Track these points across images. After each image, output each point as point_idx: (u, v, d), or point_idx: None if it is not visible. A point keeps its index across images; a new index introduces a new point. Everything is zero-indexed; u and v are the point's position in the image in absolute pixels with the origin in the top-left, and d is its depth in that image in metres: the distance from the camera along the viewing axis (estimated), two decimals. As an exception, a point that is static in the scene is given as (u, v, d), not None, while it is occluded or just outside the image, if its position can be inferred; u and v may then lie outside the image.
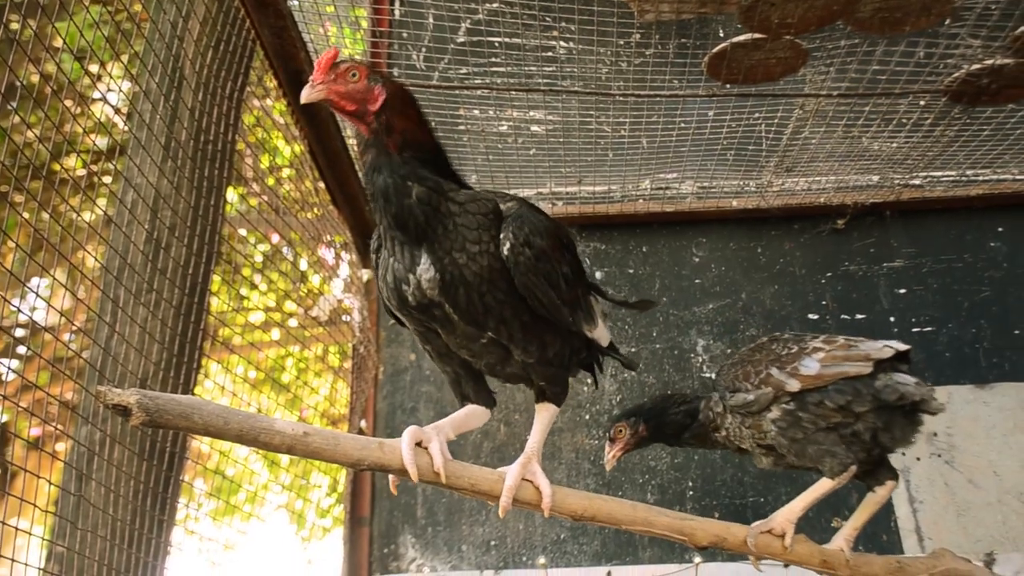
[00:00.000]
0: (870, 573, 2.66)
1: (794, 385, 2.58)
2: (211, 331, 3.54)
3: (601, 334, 2.40)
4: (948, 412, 3.86)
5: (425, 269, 1.98)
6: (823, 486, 2.53)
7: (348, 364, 4.28)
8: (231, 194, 4.22)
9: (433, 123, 3.70)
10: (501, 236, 2.03)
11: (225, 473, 3.94)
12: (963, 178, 4.13)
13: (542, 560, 3.74)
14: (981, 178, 4.13)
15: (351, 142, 3.93)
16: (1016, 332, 3.98)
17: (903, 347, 2.53)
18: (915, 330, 4.02)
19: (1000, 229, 4.20)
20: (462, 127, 3.82)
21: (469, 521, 3.83)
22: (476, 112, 3.86)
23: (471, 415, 2.30)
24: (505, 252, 2.02)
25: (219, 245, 3.16)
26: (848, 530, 2.59)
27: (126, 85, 3.29)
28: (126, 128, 3.14)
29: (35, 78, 2.26)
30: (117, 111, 3.34)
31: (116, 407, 1.71)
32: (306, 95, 2.01)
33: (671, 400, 2.90)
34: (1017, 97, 3.42)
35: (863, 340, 2.61)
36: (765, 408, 2.64)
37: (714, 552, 3.64)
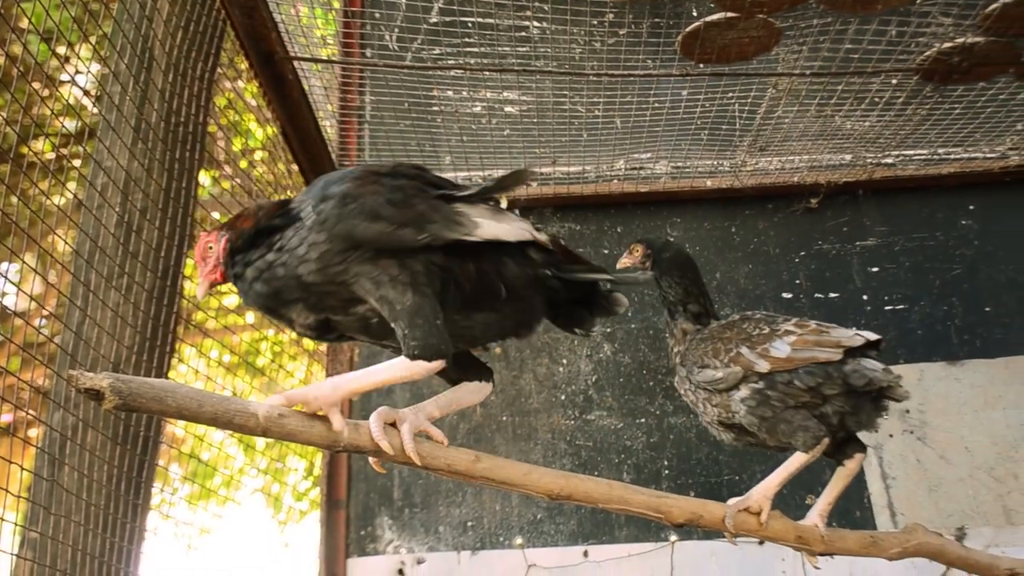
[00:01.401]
0: (844, 548, 2.68)
1: (764, 366, 2.59)
2: (185, 315, 3.51)
3: (496, 230, 2.00)
4: (920, 389, 3.89)
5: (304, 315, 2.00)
6: (797, 460, 2.54)
7: (323, 347, 4.27)
8: (203, 177, 4.19)
9: (407, 104, 3.71)
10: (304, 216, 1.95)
11: (201, 457, 3.93)
12: (935, 156, 4.15)
13: (519, 540, 3.75)
14: (952, 156, 4.15)
15: (324, 123, 3.91)
16: (987, 309, 4.02)
17: (874, 337, 2.54)
18: (887, 308, 4.05)
19: (971, 207, 4.23)
20: (435, 108, 3.80)
21: (446, 502, 3.84)
22: (450, 93, 3.85)
23: (462, 391, 2.22)
24: (311, 222, 1.92)
25: (192, 228, 3.13)
26: (822, 505, 2.60)
27: (95, 67, 3.25)
28: (96, 111, 3.11)
29: (1, 60, 2.22)
30: (86, 93, 3.31)
31: (88, 391, 1.69)
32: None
33: (674, 280, 2.98)
34: (988, 75, 3.44)
35: (835, 326, 2.61)
36: (733, 387, 2.66)
37: (690, 530, 3.66)
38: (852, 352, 2.54)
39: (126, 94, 2.85)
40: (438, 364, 1.89)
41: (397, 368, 1.90)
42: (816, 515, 2.58)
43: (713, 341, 2.77)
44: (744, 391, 2.63)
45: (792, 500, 3.72)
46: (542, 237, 2.08)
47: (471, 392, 2.20)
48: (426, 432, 2.06)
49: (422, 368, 1.89)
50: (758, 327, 2.70)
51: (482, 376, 2.21)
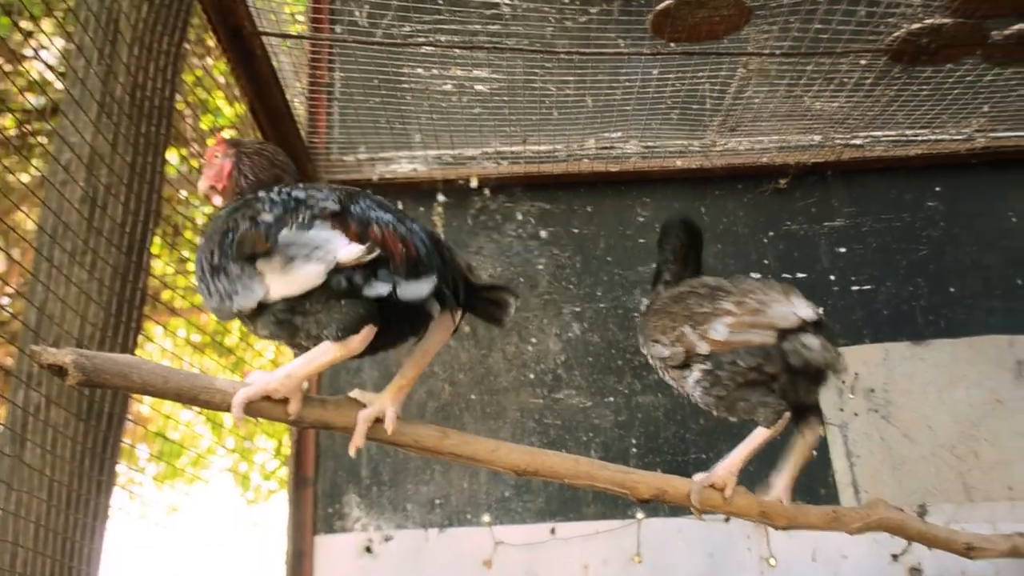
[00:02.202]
0: (807, 523, 2.71)
1: (704, 348, 2.60)
2: (153, 293, 3.49)
3: (282, 288, 1.87)
4: (885, 369, 3.93)
5: None
6: (759, 436, 2.53)
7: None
8: (172, 155, 4.15)
9: (376, 81, 3.69)
10: None
11: (168, 436, 3.91)
12: (902, 138, 4.18)
13: (487, 518, 3.77)
14: (920, 138, 4.18)
15: (294, 102, 3.88)
16: (952, 290, 4.06)
17: (808, 315, 2.53)
18: (854, 288, 4.08)
19: (938, 189, 4.26)
20: (405, 85, 3.77)
21: (414, 480, 3.84)
22: (420, 70, 3.82)
23: (422, 343, 2.13)
24: None
25: (159, 205, 3.10)
26: (785, 479, 2.62)
27: (60, 42, 3.21)
28: (61, 86, 3.07)
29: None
30: (51, 68, 3.27)
31: (51, 367, 1.68)
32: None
33: (661, 245, 3.08)
34: (955, 57, 3.46)
35: (773, 303, 2.58)
36: (684, 366, 2.69)
37: (656, 508, 3.69)
38: (792, 330, 2.54)
39: (91, 68, 2.81)
40: (367, 330, 1.87)
41: (330, 351, 1.89)
42: (780, 489, 2.60)
43: (661, 316, 2.78)
44: (696, 373, 2.64)
45: (758, 476, 3.73)
46: (348, 257, 1.84)
47: (434, 332, 2.11)
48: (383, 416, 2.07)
49: (355, 341, 1.87)
50: (701, 304, 2.69)
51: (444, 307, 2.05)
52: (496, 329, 4.07)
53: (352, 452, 2.08)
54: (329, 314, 1.86)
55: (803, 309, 2.53)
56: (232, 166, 2.16)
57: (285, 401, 1.95)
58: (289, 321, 1.91)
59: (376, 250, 1.83)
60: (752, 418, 2.55)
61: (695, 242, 3.08)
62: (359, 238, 1.86)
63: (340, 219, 1.90)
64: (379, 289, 1.85)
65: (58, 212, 2.68)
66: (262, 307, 1.89)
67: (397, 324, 1.99)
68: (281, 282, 1.86)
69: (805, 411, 2.63)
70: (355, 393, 2.10)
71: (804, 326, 2.52)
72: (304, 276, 1.83)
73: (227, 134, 3.60)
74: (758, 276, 2.78)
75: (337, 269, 1.82)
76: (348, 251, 1.83)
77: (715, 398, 2.62)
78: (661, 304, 2.83)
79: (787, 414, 2.51)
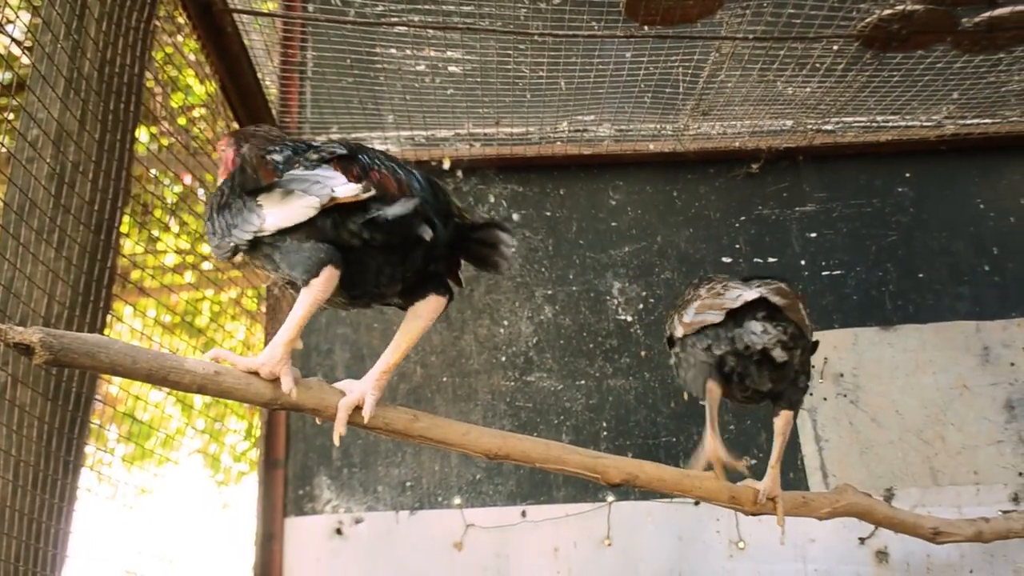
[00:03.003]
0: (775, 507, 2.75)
1: (679, 332, 2.74)
2: (122, 273, 3.46)
3: (279, 219, 1.89)
4: (854, 353, 3.96)
5: None
6: (707, 410, 2.69)
7: (263, 307, 4.23)
8: (143, 134, 4.11)
9: (349, 61, 3.66)
10: None
11: (138, 417, 3.88)
12: (873, 124, 4.20)
13: (458, 500, 3.77)
14: (890, 124, 4.21)
15: (266, 81, 3.85)
16: (920, 275, 4.09)
17: (750, 296, 2.57)
18: (824, 273, 4.11)
19: (907, 175, 4.29)
20: (379, 66, 3.75)
21: (385, 462, 3.84)
22: (393, 51, 3.80)
23: (406, 327, 2.11)
24: None
25: (128, 184, 3.07)
26: (772, 464, 2.73)
27: (26, 17, 3.16)
28: (28, 62, 3.03)
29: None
30: (17, 43, 3.22)
31: (18, 346, 1.65)
32: None
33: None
34: (926, 43, 3.48)
35: (733, 288, 2.66)
36: (671, 347, 2.86)
37: (627, 491, 3.70)
38: (744, 314, 2.59)
39: (58, 44, 2.77)
40: (327, 272, 1.86)
41: (303, 299, 1.89)
42: (768, 479, 2.72)
43: (671, 307, 2.94)
44: (673, 358, 2.77)
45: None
46: (345, 193, 1.85)
47: (418, 318, 2.09)
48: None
49: (316, 284, 1.86)
50: (689, 293, 2.83)
51: (431, 291, 2.08)
52: (468, 311, 4.07)
53: (336, 440, 2.10)
54: (298, 255, 1.87)
55: (749, 293, 2.59)
56: (235, 152, 2.17)
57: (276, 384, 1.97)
58: (271, 257, 1.93)
59: (372, 190, 1.85)
60: (700, 397, 2.71)
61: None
62: (359, 180, 1.89)
63: (344, 162, 1.93)
64: (364, 218, 1.87)
65: (25, 189, 2.65)
66: (258, 242, 1.93)
67: (387, 263, 1.96)
68: (277, 213, 1.88)
69: (774, 400, 2.72)
70: (340, 384, 2.10)
71: (755, 311, 2.57)
72: (299, 208, 1.85)
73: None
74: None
75: (328, 211, 1.84)
76: (346, 188, 1.84)
77: (683, 379, 2.77)
78: (678, 300, 2.96)
79: (711, 385, 2.63)
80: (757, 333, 2.53)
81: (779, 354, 2.54)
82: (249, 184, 1.93)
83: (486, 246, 2.04)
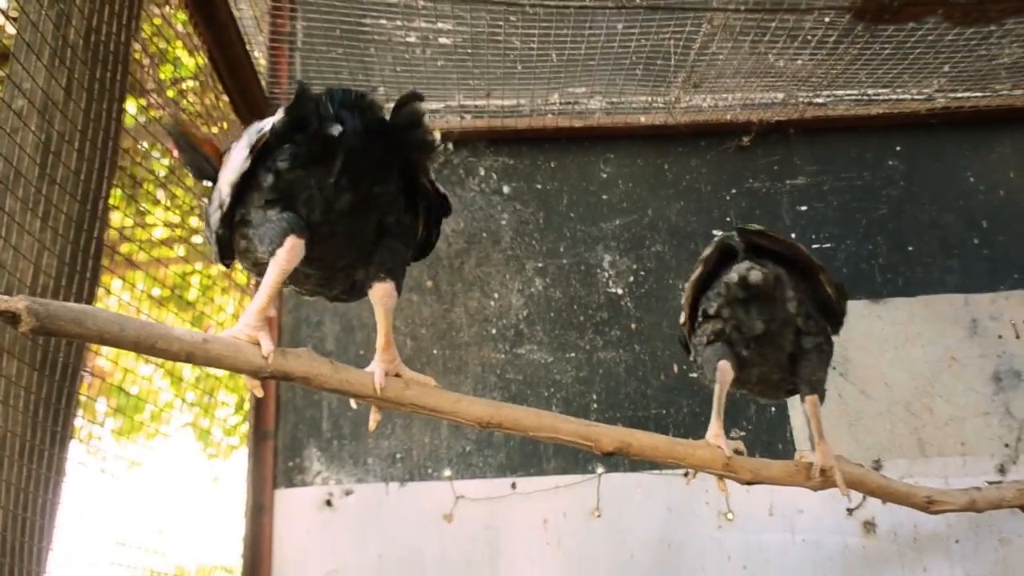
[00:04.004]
0: (769, 477, 2.77)
1: (682, 317, 2.81)
2: (111, 245, 3.44)
3: (227, 176, 1.94)
4: (844, 326, 3.96)
5: None
6: (715, 393, 2.68)
7: (254, 281, 4.22)
8: (131, 106, 4.08)
9: (339, 31, 3.64)
10: None
11: (128, 390, 3.88)
12: (864, 97, 4.19)
13: (448, 472, 3.78)
14: (881, 97, 4.20)
15: (255, 52, 3.83)
16: (910, 249, 4.10)
17: (720, 236, 2.62)
18: (815, 246, 4.11)
19: (898, 148, 4.29)
20: (368, 37, 3.73)
21: (374, 434, 3.84)
22: (383, 22, 3.78)
23: (376, 313, 2.12)
24: None
25: (116, 155, 3.05)
26: (818, 445, 2.77)
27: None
28: (12, 30, 3.00)
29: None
30: (1, 11, 3.19)
31: (3, 314, 1.64)
32: None
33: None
34: (918, 16, 3.47)
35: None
36: (686, 345, 2.91)
37: (617, 463, 3.72)
38: (728, 260, 2.60)
39: (43, 12, 2.74)
40: (290, 241, 1.87)
41: (270, 269, 1.90)
42: (819, 454, 2.76)
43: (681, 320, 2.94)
44: (692, 351, 2.85)
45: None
46: (276, 120, 1.85)
47: (375, 306, 2.10)
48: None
49: (281, 255, 1.87)
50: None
51: (376, 279, 2.07)
52: (458, 284, 4.07)
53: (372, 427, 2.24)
54: (265, 228, 1.89)
55: (716, 239, 2.63)
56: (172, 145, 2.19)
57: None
58: (252, 241, 1.95)
59: (292, 104, 1.82)
60: (711, 379, 2.70)
61: None
62: None
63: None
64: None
65: (10, 159, 2.63)
66: (235, 228, 1.97)
67: (341, 223, 1.95)
68: (225, 175, 1.92)
69: (796, 379, 2.73)
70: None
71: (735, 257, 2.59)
72: (238, 158, 1.88)
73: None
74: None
75: (268, 163, 1.87)
76: (275, 118, 1.85)
77: (697, 365, 2.80)
78: None
79: (723, 363, 2.63)
80: (741, 270, 2.52)
81: (755, 276, 2.47)
82: (195, 162, 1.95)
83: (410, 129, 1.92)
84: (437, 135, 1.95)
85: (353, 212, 1.94)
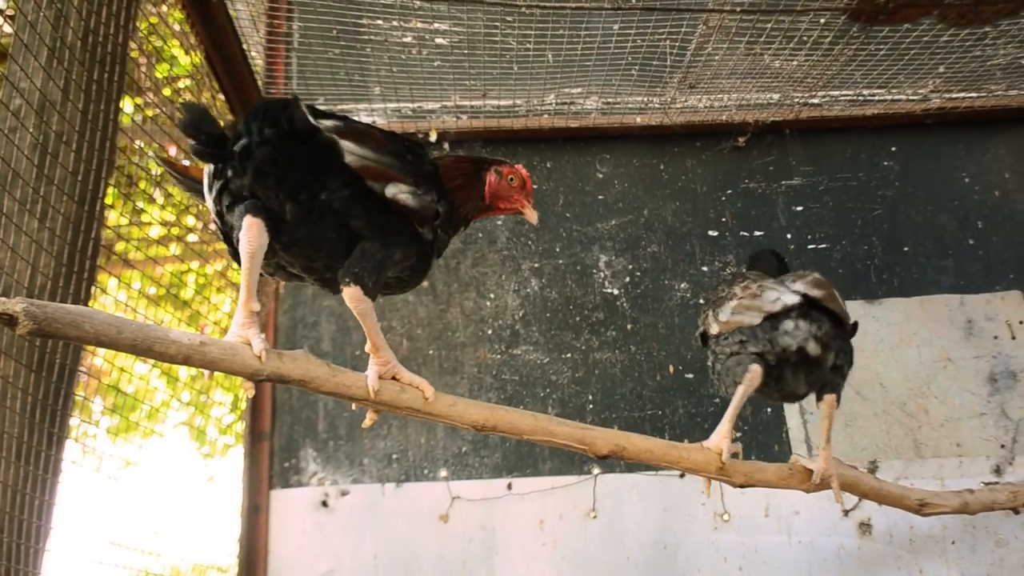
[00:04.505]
0: (763, 480, 2.77)
1: (714, 329, 2.80)
2: (107, 244, 3.44)
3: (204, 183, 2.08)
4: (839, 327, 3.98)
5: None
6: (736, 394, 2.69)
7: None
8: (127, 105, 4.08)
9: (335, 32, 3.63)
10: None
11: (124, 390, 3.88)
12: (859, 98, 4.20)
13: (444, 473, 3.78)
14: (876, 98, 4.20)
15: (252, 52, 3.82)
16: (905, 249, 4.10)
17: (790, 300, 2.62)
18: (810, 247, 4.12)
19: (893, 148, 4.29)
20: (365, 37, 3.73)
21: (371, 435, 3.84)
22: (380, 22, 3.77)
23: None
24: None
25: (113, 154, 3.04)
26: (822, 444, 2.79)
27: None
28: (10, 30, 2.99)
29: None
30: (0, 13, 3.19)
31: (1, 316, 1.64)
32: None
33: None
34: (913, 17, 3.47)
35: (770, 288, 2.70)
36: (704, 344, 2.92)
37: (612, 464, 3.72)
38: (776, 316, 2.63)
39: (41, 12, 2.74)
40: (246, 221, 1.92)
41: (242, 257, 1.95)
42: (821, 459, 2.79)
43: (705, 303, 2.98)
44: (710, 356, 2.85)
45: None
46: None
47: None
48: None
49: (243, 236, 1.92)
50: (724, 290, 2.87)
51: (341, 282, 2.08)
52: (455, 284, 4.07)
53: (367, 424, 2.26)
54: (237, 220, 1.96)
55: (788, 296, 2.63)
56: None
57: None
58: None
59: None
60: (735, 380, 2.69)
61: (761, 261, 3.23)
62: None
63: None
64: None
65: (7, 159, 2.63)
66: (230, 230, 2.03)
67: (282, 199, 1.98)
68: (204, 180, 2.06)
69: (820, 388, 2.77)
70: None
71: (790, 312, 2.62)
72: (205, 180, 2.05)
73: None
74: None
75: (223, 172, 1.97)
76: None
77: (718, 375, 2.79)
78: (712, 294, 3.01)
79: (754, 367, 2.63)
80: (790, 331, 2.57)
81: (813, 348, 2.58)
82: (191, 188, 2.13)
83: (309, 136, 1.94)
84: (351, 147, 1.97)
85: (306, 219, 1.99)
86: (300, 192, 1.96)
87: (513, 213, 2.47)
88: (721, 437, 2.68)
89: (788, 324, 2.60)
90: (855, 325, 2.84)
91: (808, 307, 2.62)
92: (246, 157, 1.89)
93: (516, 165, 2.42)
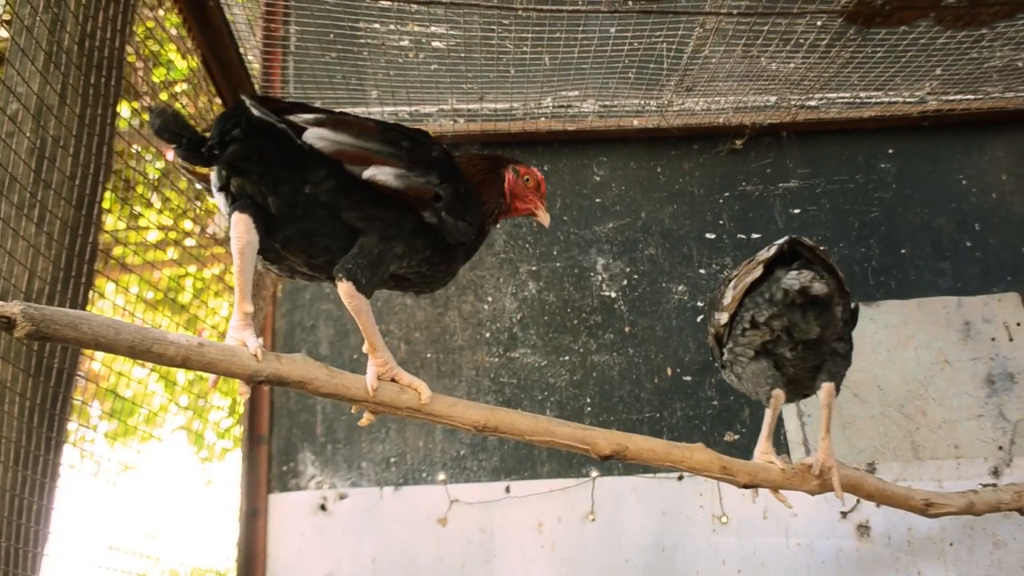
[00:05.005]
0: (768, 480, 2.77)
1: (724, 318, 2.81)
2: (105, 249, 3.44)
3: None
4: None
5: None
6: (767, 415, 2.79)
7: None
8: (124, 109, 4.08)
9: (332, 36, 3.64)
10: None
11: (122, 394, 3.87)
12: (856, 100, 4.20)
13: (442, 476, 3.78)
14: (873, 100, 4.21)
15: (249, 56, 3.82)
16: (903, 251, 4.11)
17: (781, 240, 2.66)
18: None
19: (890, 151, 4.30)
20: (362, 40, 3.73)
21: (369, 438, 3.84)
22: (377, 25, 3.77)
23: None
24: None
25: (111, 159, 3.04)
26: (821, 440, 2.79)
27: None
28: (6, 35, 3.00)
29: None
30: (-5, 16, 3.19)
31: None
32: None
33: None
34: (909, 19, 3.48)
35: (762, 252, 2.73)
36: (720, 345, 2.94)
37: (611, 466, 3.72)
38: (777, 269, 2.66)
39: (38, 16, 2.74)
40: (234, 217, 1.98)
41: (233, 254, 2.00)
42: (820, 451, 2.79)
43: (708, 312, 3.09)
44: (726, 354, 2.87)
45: (712, 435, 3.80)
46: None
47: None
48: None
49: (232, 232, 1.98)
50: (721, 286, 2.91)
51: (335, 278, 2.07)
52: (452, 287, 4.07)
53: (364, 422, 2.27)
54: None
55: (778, 241, 2.67)
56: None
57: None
58: None
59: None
60: (758, 394, 2.76)
61: None
62: None
63: None
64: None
65: (4, 164, 2.63)
66: None
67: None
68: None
69: (816, 371, 2.79)
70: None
71: (790, 263, 2.65)
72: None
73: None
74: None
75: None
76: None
77: (737, 376, 2.83)
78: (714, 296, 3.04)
79: (777, 391, 2.70)
80: (793, 276, 2.59)
81: (819, 287, 2.58)
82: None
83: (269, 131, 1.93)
84: (324, 134, 1.96)
85: (292, 214, 2.00)
86: (280, 185, 1.97)
87: (527, 214, 2.50)
88: (761, 452, 2.79)
89: (791, 273, 2.61)
90: (856, 310, 2.84)
91: (808, 262, 2.64)
92: (217, 157, 1.90)
93: (531, 167, 2.44)
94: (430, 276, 2.28)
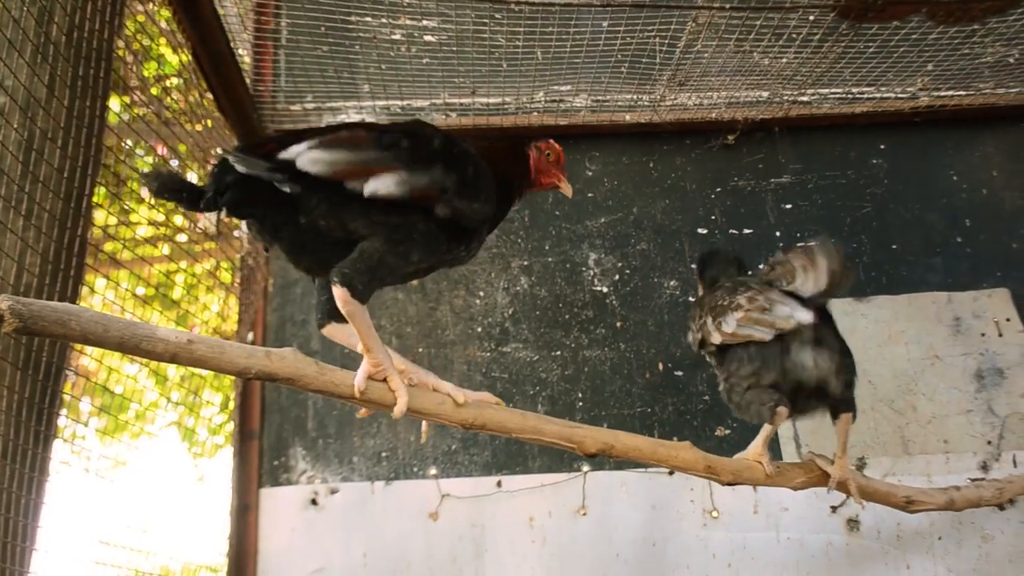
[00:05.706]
0: (751, 478, 2.78)
1: (716, 339, 2.79)
2: (96, 244, 3.42)
3: None
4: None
5: None
6: (764, 429, 2.78)
7: (238, 279, 4.21)
8: (115, 103, 4.06)
9: (323, 28, 3.63)
10: None
11: (113, 390, 3.86)
12: (848, 96, 4.21)
13: (433, 471, 3.78)
14: (865, 96, 4.21)
15: (239, 49, 3.81)
16: (894, 247, 4.11)
17: (807, 319, 2.61)
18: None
19: (882, 146, 4.30)
20: (354, 34, 3.72)
21: (360, 433, 3.84)
22: (368, 19, 3.77)
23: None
24: None
25: (100, 153, 3.03)
26: (839, 458, 2.85)
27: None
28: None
29: None
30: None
31: (-13, 314, 1.63)
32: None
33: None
34: (901, 14, 3.48)
35: (782, 302, 2.68)
36: (701, 350, 2.94)
37: (602, 461, 3.73)
38: (789, 336, 2.63)
39: (25, 7, 2.72)
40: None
41: None
42: (839, 466, 2.85)
43: (695, 307, 3.00)
44: (722, 384, 2.85)
45: (702, 432, 3.80)
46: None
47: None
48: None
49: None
50: (724, 298, 2.84)
51: (331, 282, 2.05)
52: (444, 282, 4.07)
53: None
54: None
55: (801, 313, 2.61)
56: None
57: None
58: None
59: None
60: (760, 421, 2.72)
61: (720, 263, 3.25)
62: None
63: None
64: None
65: (-7, 158, 2.61)
66: None
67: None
68: None
69: (835, 407, 2.80)
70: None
71: (801, 332, 2.62)
72: None
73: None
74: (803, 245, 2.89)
75: None
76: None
77: (725, 391, 2.81)
78: (699, 298, 3.05)
79: (781, 408, 2.64)
80: (809, 368, 2.58)
81: (835, 385, 2.59)
82: None
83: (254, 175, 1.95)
84: (319, 156, 1.98)
85: (302, 240, 2.07)
86: (284, 225, 2.05)
87: (551, 188, 2.56)
88: (755, 453, 2.79)
89: (804, 357, 2.59)
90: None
91: (819, 324, 2.64)
92: (215, 205, 1.93)
93: (550, 140, 2.52)
94: (453, 260, 2.30)
